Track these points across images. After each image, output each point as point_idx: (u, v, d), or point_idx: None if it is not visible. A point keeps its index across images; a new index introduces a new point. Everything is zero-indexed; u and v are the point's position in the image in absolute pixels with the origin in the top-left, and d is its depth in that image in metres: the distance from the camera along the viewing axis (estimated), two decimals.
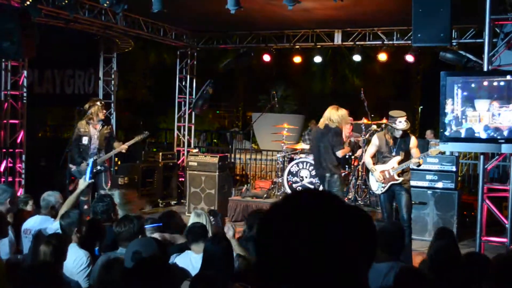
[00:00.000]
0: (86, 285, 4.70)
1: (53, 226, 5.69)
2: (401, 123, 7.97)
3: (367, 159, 8.41)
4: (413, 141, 8.16)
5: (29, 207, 6.75)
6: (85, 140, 9.11)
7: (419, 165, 8.16)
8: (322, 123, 8.87)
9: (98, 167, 9.04)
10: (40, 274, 3.48)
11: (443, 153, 9.01)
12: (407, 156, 8.08)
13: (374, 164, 8.34)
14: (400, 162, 8.04)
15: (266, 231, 1.34)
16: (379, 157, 8.41)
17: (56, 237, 4.59)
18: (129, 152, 10.40)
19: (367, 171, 8.69)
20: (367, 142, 8.89)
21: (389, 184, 8.10)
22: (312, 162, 10.67)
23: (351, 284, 1.29)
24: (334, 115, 8.76)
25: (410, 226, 8.07)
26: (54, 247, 4.39)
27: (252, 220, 5.70)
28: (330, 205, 1.33)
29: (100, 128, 9.19)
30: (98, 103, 9.27)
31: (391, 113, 8.12)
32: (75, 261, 4.77)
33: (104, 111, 9.32)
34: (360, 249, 1.30)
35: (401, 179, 8.03)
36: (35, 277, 3.46)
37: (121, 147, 9.26)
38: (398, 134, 8.06)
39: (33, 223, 6.01)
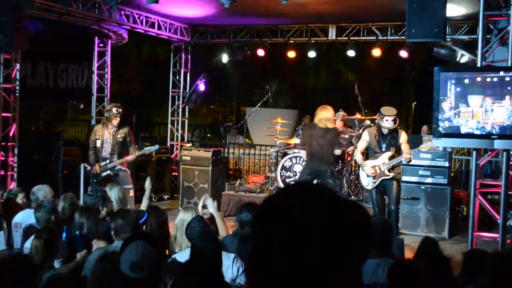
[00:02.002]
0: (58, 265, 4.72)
1: None
2: (387, 121, 8.03)
3: (357, 154, 8.49)
4: (403, 136, 8.24)
5: (19, 200, 6.74)
6: (98, 143, 9.21)
7: (410, 161, 8.23)
8: (320, 122, 9.06)
9: (109, 172, 9.12)
10: (15, 266, 3.48)
11: (435, 148, 9.03)
12: (397, 152, 8.18)
13: (363, 159, 8.44)
14: (390, 158, 8.10)
15: (260, 225, 1.33)
16: (370, 153, 8.50)
17: (48, 230, 4.57)
18: None
19: (359, 166, 8.77)
20: (360, 137, 8.94)
21: (380, 179, 8.17)
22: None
23: (345, 279, 1.27)
24: (328, 114, 9.05)
25: (397, 216, 8.30)
26: (45, 241, 4.38)
27: (244, 212, 5.71)
28: (326, 198, 1.31)
29: (114, 132, 9.16)
30: (114, 109, 9.20)
31: (382, 109, 8.20)
32: None
33: (119, 118, 9.18)
34: (355, 243, 1.29)
35: (392, 174, 8.11)
36: (10, 269, 3.46)
37: (128, 158, 9.22)
38: (385, 131, 8.13)
39: (22, 217, 6.00)
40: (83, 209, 5.48)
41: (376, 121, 8.61)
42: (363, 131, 8.89)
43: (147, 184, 7.21)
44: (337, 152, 9.18)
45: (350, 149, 10.68)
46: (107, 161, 9.13)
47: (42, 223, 5.42)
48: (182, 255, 4.70)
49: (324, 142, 8.98)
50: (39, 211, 5.56)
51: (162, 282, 3.54)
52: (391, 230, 4.99)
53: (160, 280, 3.34)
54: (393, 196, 8.19)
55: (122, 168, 9.20)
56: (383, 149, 8.21)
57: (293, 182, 9.76)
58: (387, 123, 8.04)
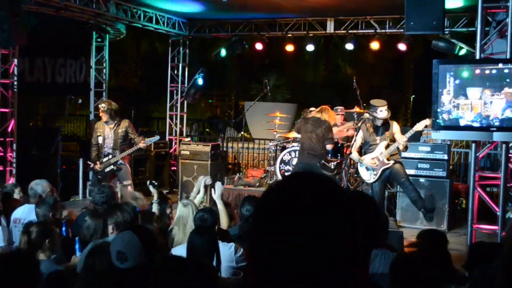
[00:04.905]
0: None
1: None
2: (382, 112, 8.15)
3: (354, 152, 8.57)
4: (395, 127, 8.42)
5: (16, 195, 6.73)
6: (100, 140, 9.26)
7: (407, 148, 8.35)
8: (311, 116, 9.27)
9: (112, 167, 9.14)
10: (12, 263, 3.47)
11: (427, 126, 8.97)
12: (392, 142, 8.29)
13: (360, 156, 8.57)
14: (386, 147, 8.24)
15: (261, 214, 1.31)
16: (365, 148, 8.61)
17: (38, 226, 4.55)
18: None
19: (358, 162, 8.83)
20: (358, 131, 8.97)
21: (380, 170, 8.25)
22: None
23: (350, 270, 1.25)
24: (325, 115, 9.13)
25: (412, 183, 8.47)
26: (31, 237, 4.36)
27: (247, 204, 5.72)
28: (326, 187, 1.29)
29: (115, 127, 9.18)
30: (100, 105, 9.32)
31: (372, 102, 8.29)
32: None
33: (103, 114, 9.19)
34: (360, 233, 1.27)
35: (391, 162, 8.23)
36: (11, 265, 3.45)
37: (140, 145, 9.17)
38: (379, 122, 8.25)
39: (21, 213, 5.99)
40: (92, 213, 5.42)
41: (368, 115, 8.67)
42: (361, 124, 8.90)
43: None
44: (328, 146, 9.17)
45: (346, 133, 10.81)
46: (110, 156, 9.15)
47: (41, 218, 5.40)
48: (179, 250, 4.70)
49: (313, 136, 9.01)
50: (40, 207, 5.53)
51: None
52: (387, 221, 5.01)
53: (150, 272, 3.33)
54: (401, 175, 8.33)
55: (123, 162, 9.22)
56: (378, 141, 8.35)
57: (289, 173, 9.83)
58: (382, 113, 8.16)
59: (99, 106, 9.42)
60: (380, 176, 8.33)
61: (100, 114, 9.27)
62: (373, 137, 8.39)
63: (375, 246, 1.33)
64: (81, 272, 3.57)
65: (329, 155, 9.89)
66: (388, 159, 8.25)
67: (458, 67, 7.69)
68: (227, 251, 4.67)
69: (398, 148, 8.34)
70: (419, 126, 8.40)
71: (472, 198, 7.84)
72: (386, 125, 8.35)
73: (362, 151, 8.92)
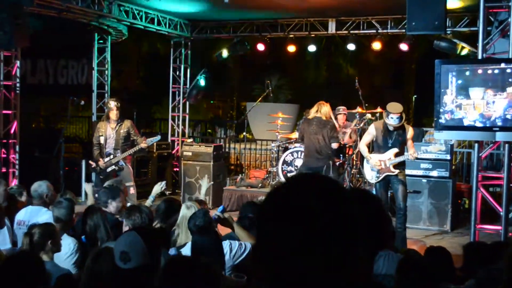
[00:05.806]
0: (74, 271, 4.70)
1: (44, 216, 5.69)
2: (392, 119, 7.85)
3: (363, 147, 8.41)
4: (410, 132, 8.10)
5: (23, 198, 6.73)
6: (102, 139, 9.27)
7: (416, 158, 8.14)
8: (313, 117, 9.04)
9: (113, 167, 9.16)
10: (15, 264, 3.48)
11: (440, 149, 8.91)
12: (404, 148, 8.05)
13: (369, 152, 8.36)
14: (396, 154, 7.99)
15: (265, 214, 1.31)
16: (375, 147, 8.39)
17: (39, 227, 4.55)
18: None
19: (362, 160, 8.70)
20: (362, 131, 8.89)
21: (384, 174, 8.08)
22: None
23: (349, 272, 1.26)
24: (323, 109, 8.98)
25: (406, 214, 8.10)
26: (31, 237, 4.37)
27: (246, 210, 5.72)
28: (332, 188, 1.29)
29: (117, 127, 9.19)
30: (111, 103, 9.33)
31: (388, 106, 7.98)
32: (64, 248, 4.78)
33: (116, 112, 9.23)
34: (360, 236, 1.27)
35: (396, 171, 7.99)
36: (10, 267, 3.45)
37: (142, 145, 9.23)
38: (391, 127, 8.02)
39: (24, 214, 5.99)
40: (93, 211, 5.42)
41: (369, 116, 8.56)
42: (364, 125, 8.83)
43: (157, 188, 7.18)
44: (334, 145, 9.02)
45: (348, 140, 10.63)
46: (111, 156, 9.16)
47: (60, 221, 5.37)
48: (183, 251, 4.70)
49: (319, 137, 8.90)
50: (59, 208, 5.47)
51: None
52: (390, 222, 4.98)
53: (154, 273, 3.32)
54: (401, 196, 8.05)
55: (126, 163, 9.24)
56: (389, 145, 8.03)
57: (292, 174, 9.81)
58: (392, 120, 7.86)
59: (111, 103, 9.36)
60: (383, 180, 8.19)
61: (114, 112, 9.22)
62: (385, 140, 8.16)
63: (381, 247, 1.33)
64: (83, 273, 3.58)
65: None
66: (394, 167, 8.07)
67: (460, 67, 7.69)
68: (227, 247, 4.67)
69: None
70: (433, 149, 8.26)
71: (475, 198, 7.83)
72: (400, 129, 8.07)
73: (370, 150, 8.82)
